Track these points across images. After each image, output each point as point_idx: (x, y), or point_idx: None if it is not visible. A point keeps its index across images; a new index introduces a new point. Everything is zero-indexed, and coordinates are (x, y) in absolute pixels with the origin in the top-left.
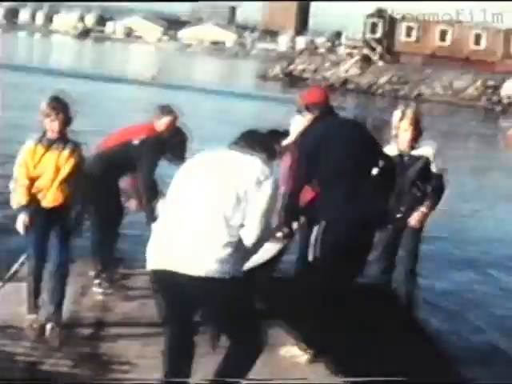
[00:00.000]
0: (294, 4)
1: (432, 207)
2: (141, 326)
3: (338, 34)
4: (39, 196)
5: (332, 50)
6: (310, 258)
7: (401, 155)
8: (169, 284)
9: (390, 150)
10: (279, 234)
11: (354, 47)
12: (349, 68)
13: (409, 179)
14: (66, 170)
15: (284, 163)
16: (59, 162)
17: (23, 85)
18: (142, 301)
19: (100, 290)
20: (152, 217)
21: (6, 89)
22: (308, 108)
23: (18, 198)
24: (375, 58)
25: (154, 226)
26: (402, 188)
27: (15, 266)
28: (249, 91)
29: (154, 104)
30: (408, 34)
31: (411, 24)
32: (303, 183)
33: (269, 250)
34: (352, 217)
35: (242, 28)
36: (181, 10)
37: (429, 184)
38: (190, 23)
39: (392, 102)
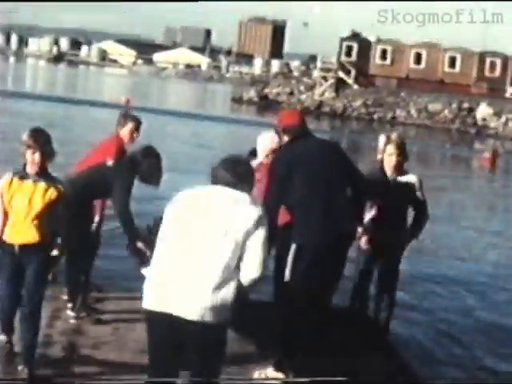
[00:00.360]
0: (269, 27)
1: (414, 235)
2: (114, 351)
3: (313, 58)
4: (12, 231)
5: (307, 73)
6: (287, 278)
7: (386, 179)
8: (162, 325)
9: (376, 174)
10: None
11: (329, 70)
12: (323, 91)
13: (394, 204)
14: (39, 205)
15: (258, 184)
16: (34, 197)
17: None
18: (114, 325)
19: (73, 314)
20: (132, 236)
21: None
22: (284, 131)
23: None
24: (350, 81)
25: (151, 263)
26: (387, 213)
27: None
28: (224, 115)
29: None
30: (383, 57)
31: (386, 47)
32: (275, 206)
33: None
34: (323, 240)
35: (217, 51)
36: (155, 33)
37: (413, 210)
38: (165, 47)
39: (367, 125)
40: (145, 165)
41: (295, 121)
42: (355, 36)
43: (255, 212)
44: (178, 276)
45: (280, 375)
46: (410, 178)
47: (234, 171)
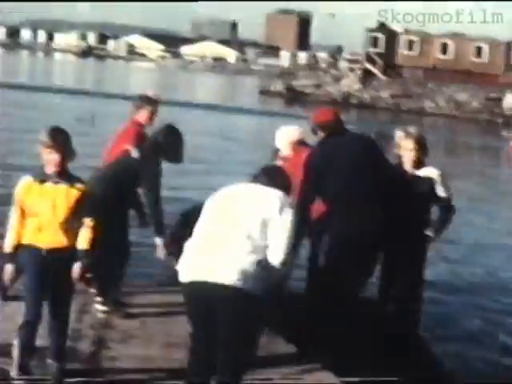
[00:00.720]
0: (295, 19)
1: (437, 233)
2: (141, 345)
3: (340, 49)
4: (38, 236)
5: (334, 64)
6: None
7: (405, 175)
8: (198, 293)
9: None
10: None
11: (356, 61)
12: (351, 83)
13: (413, 201)
14: (63, 208)
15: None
16: (56, 200)
17: (27, 103)
18: (143, 318)
19: (101, 308)
20: (160, 229)
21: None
22: (320, 127)
23: (7, 242)
24: (377, 72)
25: (186, 245)
26: (407, 210)
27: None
28: (252, 107)
29: (157, 121)
30: (409, 48)
31: (412, 37)
32: (308, 200)
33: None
34: (354, 232)
35: (244, 44)
36: (182, 26)
37: (435, 207)
38: (192, 40)
39: (395, 116)
40: (168, 145)
41: (330, 117)
42: (382, 27)
43: (280, 198)
44: (210, 250)
45: None
46: (430, 171)
47: (268, 176)
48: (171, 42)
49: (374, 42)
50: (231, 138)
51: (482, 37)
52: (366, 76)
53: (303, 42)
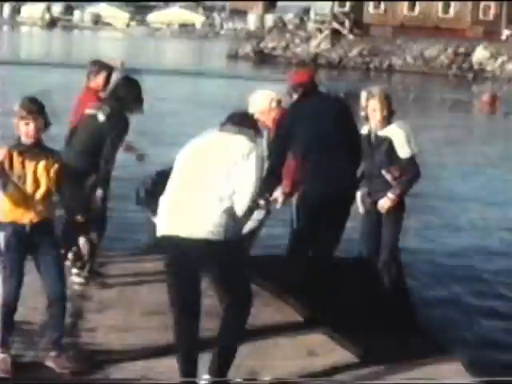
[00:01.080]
0: None
1: (400, 193)
2: (120, 314)
3: (307, 10)
4: (19, 211)
5: (301, 26)
6: (294, 225)
7: (369, 135)
8: (175, 248)
9: (364, 129)
10: (261, 202)
11: (323, 22)
12: (319, 43)
13: (377, 161)
14: (44, 180)
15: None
16: (37, 172)
17: None
18: (119, 287)
19: (77, 280)
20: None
21: None
22: (294, 88)
23: None
24: (344, 31)
25: (161, 199)
26: (372, 171)
27: None
28: (220, 70)
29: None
30: (376, 6)
31: None
32: (280, 157)
33: (254, 219)
34: (324, 190)
35: (210, 9)
36: None
37: (398, 166)
38: (157, 7)
39: (364, 74)
40: (129, 97)
41: (306, 78)
42: None
43: (246, 144)
44: (183, 205)
45: None
46: (392, 131)
47: (236, 118)
48: (138, 10)
49: (341, 1)
50: (202, 103)
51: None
52: (334, 36)
53: (270, 4)
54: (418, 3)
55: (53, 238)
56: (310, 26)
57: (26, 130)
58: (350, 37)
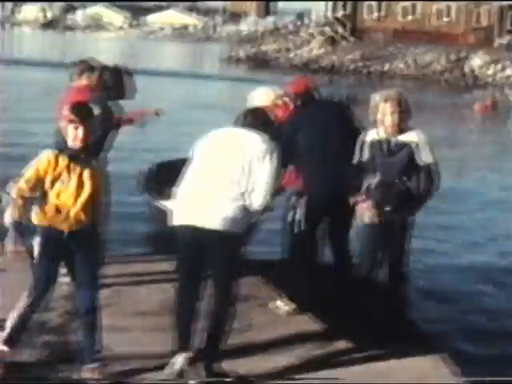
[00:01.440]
0: None
1: (418, 205)
2: (115, 315)
3: (301, 15)
4: (59, 217)
5: (297, 30)
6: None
7: (388, 141)
8: (189, 237)
9: (374, 135)
10: None
11: (319, 27)
12: (318, 46)
13: (394, 169)
14: (90, 187)
15: None
16: (83, 178)
17: None
18: (115, 287)
19: (67, 280)
20: None
21: None
22: (295, 96)
23: (14, 210)
24: (344, 35)
25: (177, 190)
26: (386, 179)
27: None
28: (215, 73)
29: None
30: (371, 12)
31: (373, 2)
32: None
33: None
34: (322, 186)
35: (207, 11)
36: None
37: (416, 175)
38: (153, 10)
39: (361, 79)
40: (115, 84)
41: (301, 88)
42: None
43: (263, 143)
44: (199, 196)
45: (286, 308)
46: (414, 136)
47: (255, 120)
48: (135, 11)
49: (336, 7)
50: (196, 105)
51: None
52: (330, 41)
53: (267, 8)
54: (414, 9)
55: (91, 248)
56: (306, 30)
57: (74, 134)
58: (345, 43)
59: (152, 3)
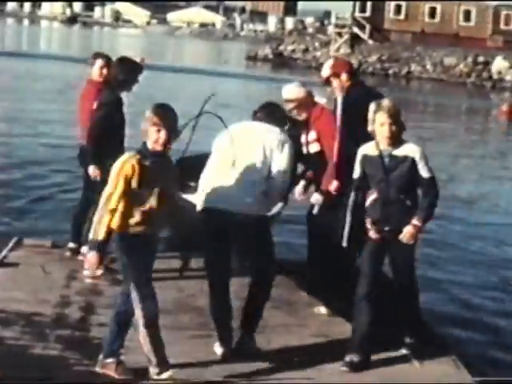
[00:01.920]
0: None
1: (426, 219)
2: None
3: (327, 14)
4: (144, 221)
5: (321, 29)
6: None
7: (381, 156)
8: (215, 219)
9: (369, 149)
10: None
11: (344, 26)
12: (338, 47)
13: (394, 185)
14: (172, 190)
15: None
16: (166, 183)
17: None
18: None
19: (89, 274)
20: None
21: None
22: (329, 80)
23: (101, 229)
24: (365, 36)
25: (201, 178)
26: (388, 196)
27: (4, 252)
28: (239, 71)
29: (142, 86)
30: (397, 12)
31: (400, 2)
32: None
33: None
34: None
35: (231, 10)
36: None
37: (419, 189)
38: (179, 6)
39: (382, 80)
40: (121, 76)
41: (351, 66)
42: None
43: (279, 135)
44: (222, 183)
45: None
46: (410, 149)
47: (272, 114)
48: (158, 8)
49: (362, 6)
50: (220, 104)
51: (469, 1)
52: (354, 40)
53: (291, 7)
54: (438, 10)
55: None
56: (330, 29)
57: (156, 137)
58: (370, 42)
59: (177, 2)
